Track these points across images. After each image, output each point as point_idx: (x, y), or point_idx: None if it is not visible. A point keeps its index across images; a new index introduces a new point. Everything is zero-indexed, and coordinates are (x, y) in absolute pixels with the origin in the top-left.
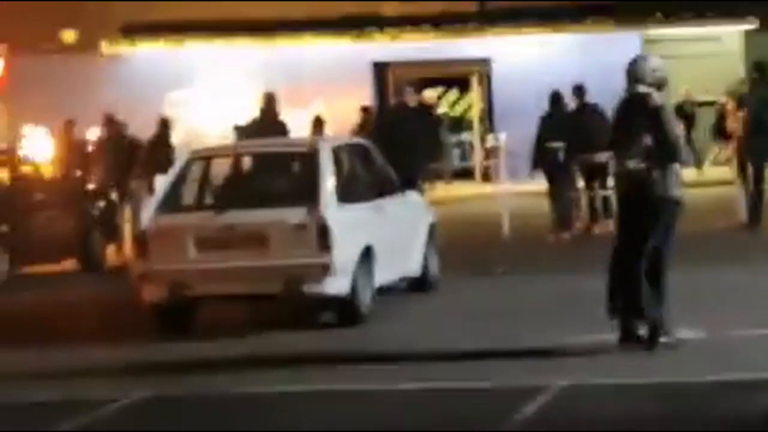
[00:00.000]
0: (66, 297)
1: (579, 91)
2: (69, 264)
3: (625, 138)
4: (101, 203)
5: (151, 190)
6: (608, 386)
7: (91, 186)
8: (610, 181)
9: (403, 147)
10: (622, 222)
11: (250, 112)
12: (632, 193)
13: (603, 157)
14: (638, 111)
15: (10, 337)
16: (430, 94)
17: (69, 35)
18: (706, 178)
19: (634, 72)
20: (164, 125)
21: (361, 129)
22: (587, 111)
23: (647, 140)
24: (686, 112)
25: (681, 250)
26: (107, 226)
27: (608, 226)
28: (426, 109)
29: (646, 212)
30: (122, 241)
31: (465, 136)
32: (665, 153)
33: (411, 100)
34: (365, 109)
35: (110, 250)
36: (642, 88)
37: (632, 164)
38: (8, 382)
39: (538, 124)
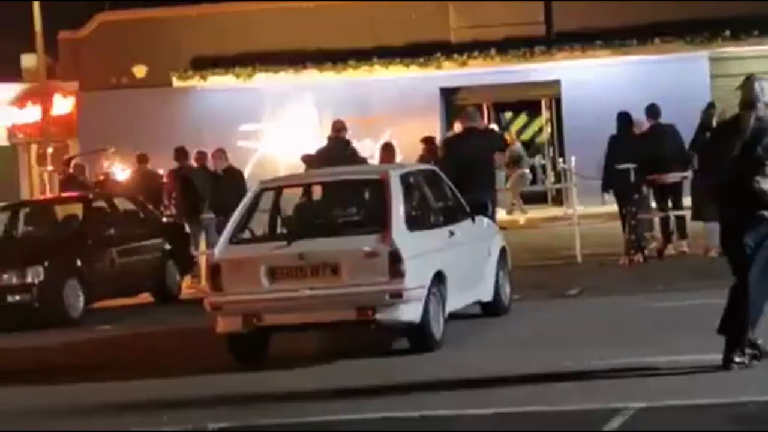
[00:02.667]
0: (141, 330)
1: (652, 110)
2: (144, 297)
3: (755, 159)
4: (175, 235)
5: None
6: (685, 407)
7: (164, 218)
8: (686, 201)
9: (472, 171)
10: (751, 239)
11: (319, 140)
12: (754, 213)
13: (677, 177)
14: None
15: (88, 370)
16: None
17: (140, 70)
18: None
19: (757, 94)
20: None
21: (427, 158)
22: (660, 131)
23: None
24: None
25: None
26: (181, 258)
27: (682, 247)
28: (492, 134)
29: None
30: (197, 273)
31: (536, 159)
32: None
33: (480, 124)
34: (426, 140)
35: (185, 282)
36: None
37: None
38: (87, 414)
39: (607, 146)
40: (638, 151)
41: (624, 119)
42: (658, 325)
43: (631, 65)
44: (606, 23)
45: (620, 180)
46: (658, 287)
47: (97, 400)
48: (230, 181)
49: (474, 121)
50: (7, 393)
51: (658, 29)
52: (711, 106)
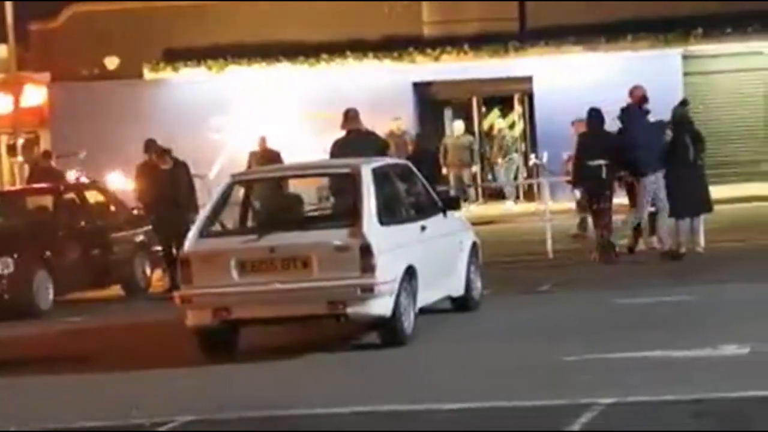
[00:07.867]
0: (110, 322)
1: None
2: (113, 290)
3: None
4: (145, 229)
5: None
6: (654, 403)
7: (134, 212)
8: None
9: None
10: None
11: (291, 134)
12: None
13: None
14: None
15: (55, 363)
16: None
17: (112, 61)
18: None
19: None
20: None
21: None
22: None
23: None
24: None
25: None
26: (151, 251)
27: (652, 243)
28: (373, 136)
29: None
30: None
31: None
32: None
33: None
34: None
35: (155, 275)
36: None
37: None
38: (57, 408)
39: (577, 142)
40: (610, 148)
41: (595, 116)
42: (627, 320)
43: (603, 62)
44: (579, 20)
45: (591, 176)
46: (628, 283)
47: (60, 393)
48: (180, 176)
49: (357, 123)
50: None
51: (631, 26)
52: (684, 103)
